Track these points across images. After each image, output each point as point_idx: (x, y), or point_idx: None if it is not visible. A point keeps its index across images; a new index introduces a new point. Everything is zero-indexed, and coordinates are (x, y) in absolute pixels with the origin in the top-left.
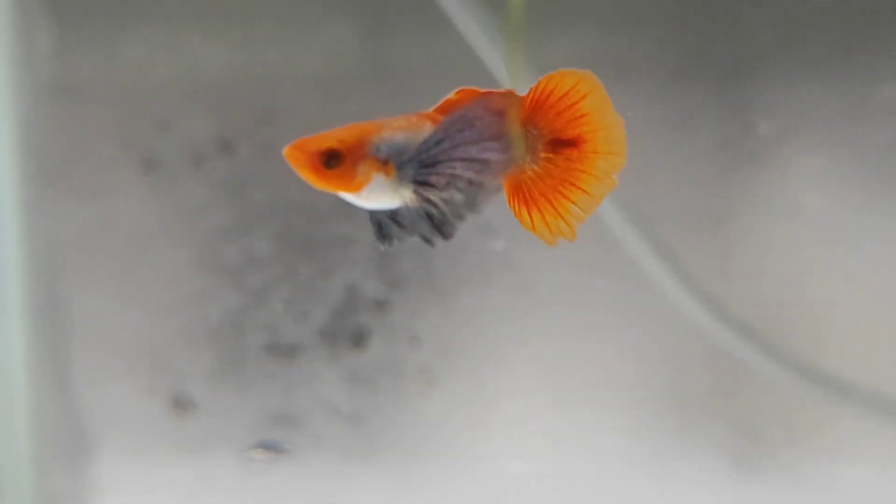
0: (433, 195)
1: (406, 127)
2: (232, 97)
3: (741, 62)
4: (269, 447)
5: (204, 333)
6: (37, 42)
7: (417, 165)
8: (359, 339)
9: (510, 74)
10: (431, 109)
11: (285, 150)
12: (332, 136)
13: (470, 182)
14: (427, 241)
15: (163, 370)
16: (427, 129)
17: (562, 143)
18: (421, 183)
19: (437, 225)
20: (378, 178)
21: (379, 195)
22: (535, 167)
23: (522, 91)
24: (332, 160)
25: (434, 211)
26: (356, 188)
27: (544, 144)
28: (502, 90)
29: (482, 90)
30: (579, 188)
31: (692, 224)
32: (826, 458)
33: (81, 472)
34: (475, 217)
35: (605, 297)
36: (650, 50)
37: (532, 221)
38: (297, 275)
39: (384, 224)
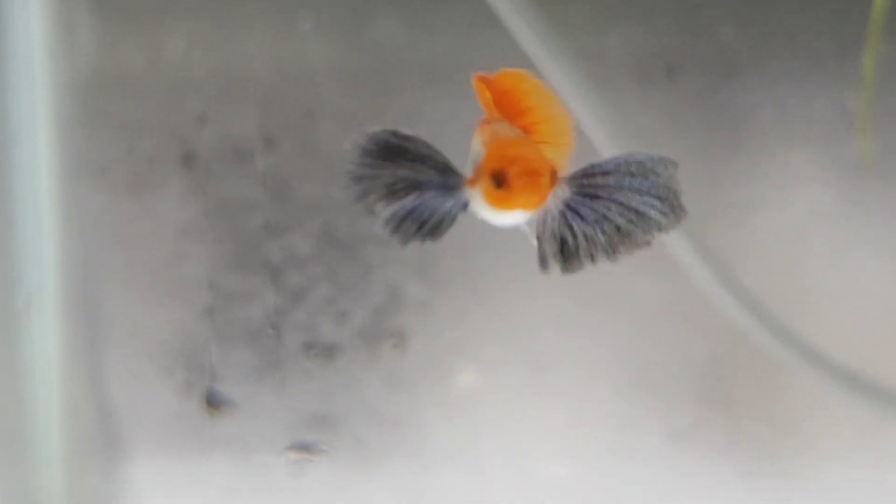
0: (577, 225)
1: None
2: (274, 92)
3: (794, 63)
4: (306, 448)
5: (242, 332)
6: (78, 36)
7: (576, 189)
8: (399, 340)
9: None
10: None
11: (521, 179)
12: (536, 154)
13: (618, 229)
14: (542, 262)
15: (199, 369)
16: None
17: None
18: (571, 209)
19: (565, 256)
20: None
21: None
22: None
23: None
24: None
25: (570, 241)
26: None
27: None
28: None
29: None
30: None
31: (738, 226)
32: (871, 465)
33: (115, 472)
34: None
35: (649, 300)
36: (701, 51)
37: None
38: (338, 274)
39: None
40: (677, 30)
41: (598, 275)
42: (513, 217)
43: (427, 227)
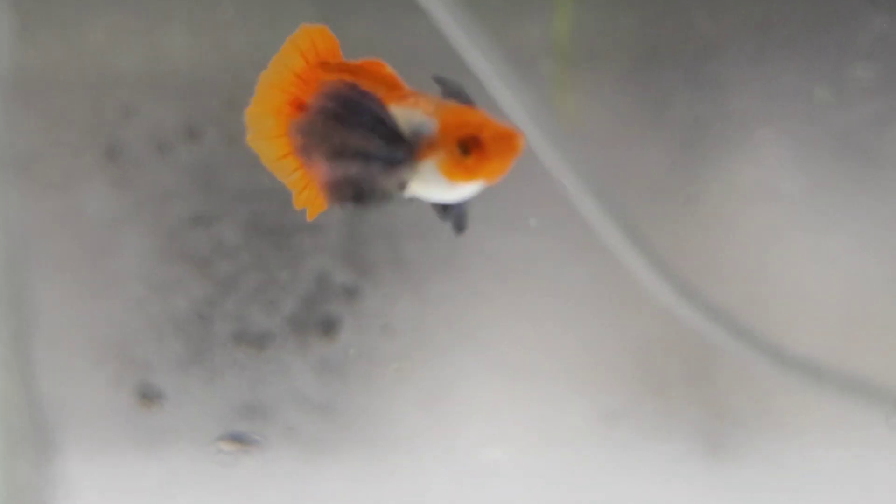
0: None
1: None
2: (197, 83)
3: (714, 44)
4: (239, 438)
5: (171, 323)
6: None
7: None
8: (329, 328)
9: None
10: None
11: (497, 143)
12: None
13: None
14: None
15: (129, 361)
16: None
17: None
18: None
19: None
20: None
21: None
22: None
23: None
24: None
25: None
26: None
27: None
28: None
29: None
30: None
31: (665, 208)
32: (801, 441)
33: (47, 466)
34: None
35: (580, 282)
36: (623, 33)
37: None
38: (266, 263)
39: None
40: (598, 14)
41: (526, 258)
42: (465, 191)
43: (363, 200)
